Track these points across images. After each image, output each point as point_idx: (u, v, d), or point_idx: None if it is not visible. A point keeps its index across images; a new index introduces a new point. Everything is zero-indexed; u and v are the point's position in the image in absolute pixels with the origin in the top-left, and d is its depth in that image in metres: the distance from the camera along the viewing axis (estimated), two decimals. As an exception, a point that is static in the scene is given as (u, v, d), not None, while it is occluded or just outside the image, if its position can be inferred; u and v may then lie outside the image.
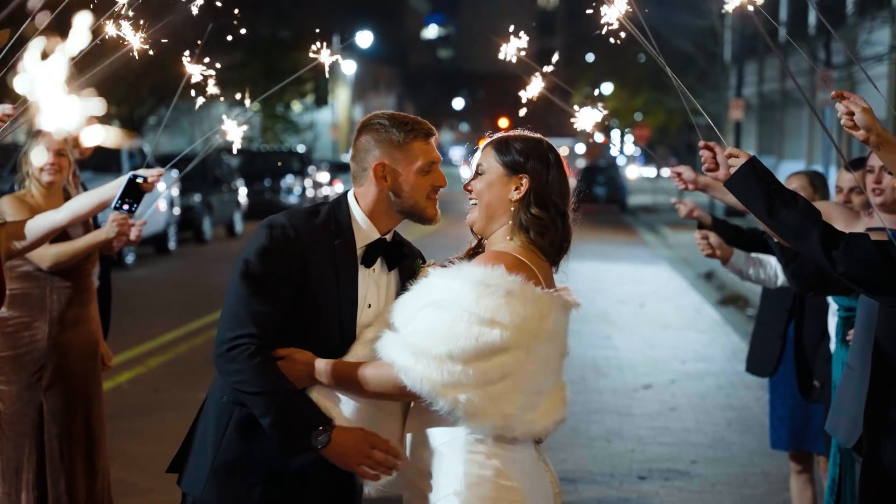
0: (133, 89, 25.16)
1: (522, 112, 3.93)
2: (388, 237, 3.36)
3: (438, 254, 3.52)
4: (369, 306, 3.29)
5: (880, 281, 3.39)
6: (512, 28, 3.79)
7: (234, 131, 4.17)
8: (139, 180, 4.55)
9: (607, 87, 52.69)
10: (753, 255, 5.67)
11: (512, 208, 3.20)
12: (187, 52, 3.91)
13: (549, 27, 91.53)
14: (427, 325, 3.07)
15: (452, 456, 3.12)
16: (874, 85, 3.73)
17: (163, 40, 3.55)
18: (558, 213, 3.22)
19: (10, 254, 4.59)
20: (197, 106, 4.04)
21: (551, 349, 3.16)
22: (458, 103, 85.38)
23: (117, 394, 9.18)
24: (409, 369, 3.04)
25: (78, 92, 2.84)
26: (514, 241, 3.20)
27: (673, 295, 16.77)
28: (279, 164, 30.85)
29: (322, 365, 3.17)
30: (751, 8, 3.33)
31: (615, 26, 3.52)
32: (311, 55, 3.89)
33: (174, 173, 20.00)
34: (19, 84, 1.82)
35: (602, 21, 3.53)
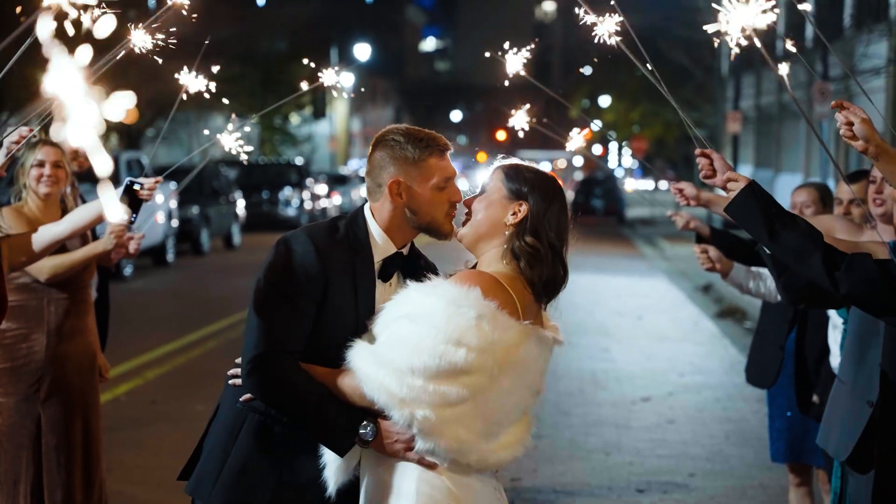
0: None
1: (521, 127, 3.95)
2: (405, 251, 3.38)
3: (440, 265, 3.52)
4: None
5: (883, 300, 3.38)
6: (508, 44, 3.79)
7: (233, 142, 4.18)
8: (136, 187, 4.54)
9: (605, 100, 52.80)
10: (753, 268, 5.66)
11: (506, 232, 3.19)
12: (185, 65, 3.92)
13: (547, 40, 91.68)
14: (396, 337, 3.08)
15: (406, 473, 3.13)
16: (869, 99, 3.73)
17: (168, 44, 3.55)
18: (552, 248, 3.20)
19: (13, 266, 4.59)
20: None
21: (518, 381, 3.13)
22: (456, 116, 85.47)
23: (115, 405, 9.17)
24: (370, 378, 3.06)
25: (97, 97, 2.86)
26: (505, 267, 3.19)
27: (671, 307, 16.78)
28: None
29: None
30: (748, 33, 3.32)
31: (609, 40, 3.53)
32: (319, 76, 3.88)
33: (172, 185, 20.06)
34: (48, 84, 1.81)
35: (594, 35, 3.54)
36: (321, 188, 33.78)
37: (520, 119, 3.97)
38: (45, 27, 1.97)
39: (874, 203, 4.46)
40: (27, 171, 5.12)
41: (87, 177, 5.81)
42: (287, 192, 30.55)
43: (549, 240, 3.19)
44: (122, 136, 29.15)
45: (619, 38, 3.50)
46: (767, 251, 4.01)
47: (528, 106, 3.99)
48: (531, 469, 7.57)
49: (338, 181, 38.23)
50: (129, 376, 10.39)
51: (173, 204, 20.53)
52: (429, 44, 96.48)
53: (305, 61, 3.82)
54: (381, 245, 3.31)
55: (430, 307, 3.07)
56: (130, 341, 11.69)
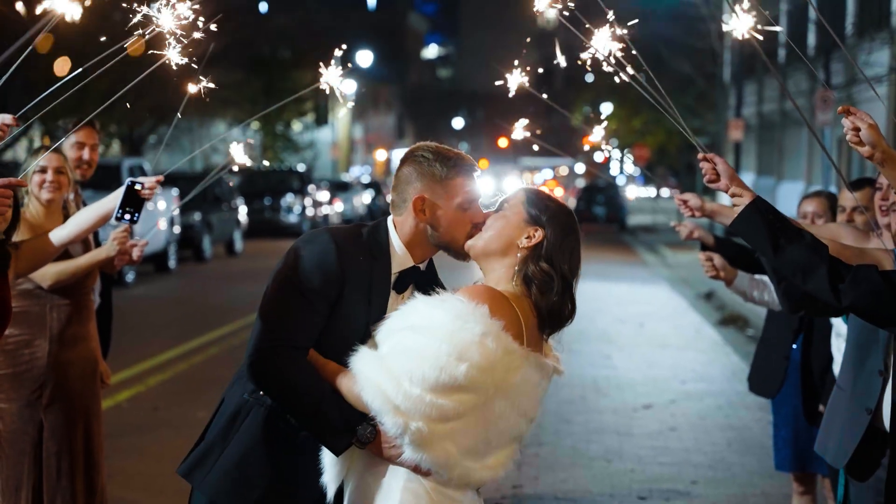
0: (132, 108, 25.20)
1: (523, 138, 3.95)
2: (422, 266, 3.40)
3: (450, 273, 3.54)
4: None
5: (888, 312, 3.37)
6: (517, 63, 3.80)
7: (240, 154, 4.19)
8: (137, 187, 4.53)
9: (606, 108, 52.81)
10: (757, 276, 5.66)
11: (518, 254, 3.21)
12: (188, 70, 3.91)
13: (549, 47, 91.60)
14: (399, 347, 3.09)
15: (393, 482, 3.15)
16: (877, 97, 3.74)
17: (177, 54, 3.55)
18: (563, 279, 3.22)
19: (18, 274, 4.59)
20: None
21: (513, 405, 3.14)
22: (458, 123, 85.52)
23: (116, 412, 9.17)
24: (369, 382, 3.08)
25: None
26: (514, 287, 3.21)
27: (672, 315, 16.77)
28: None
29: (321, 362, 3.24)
30: (749, 34, 3.32)
31: (606, 53, 3.53)
32: (321, 77, 3.89)
33: (174, 192, 20.07)
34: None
35: (593, 48, 3.55)
36: (323, 195, 33.81)
37: (520, 132, 3.97)
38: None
39: (880, 211, 4.44)
40: (29, 178, 5.12)
41: (89, 183, 5.83)
42: (289, 198, 30.58)
43: (562, 271, 3.22)
44: (125, 143, 29.17)
45: (619, 45, 3.50)
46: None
47: (526, 122, 4.00)
48: (533, 476, 7.56)
49: (340, 188, 38.26)
50: (130, 383, 10.39)
51: (175, 210, 20.55)
52: (431, 51, 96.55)
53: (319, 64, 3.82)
54: (400, 257, 3.33)
55: (437, 320, 3.08)
56: (132, 348, 11.69)
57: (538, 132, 4.13)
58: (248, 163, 4.28)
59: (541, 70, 3.85)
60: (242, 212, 26.10)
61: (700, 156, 3.51)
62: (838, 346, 5.31)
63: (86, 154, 5.64)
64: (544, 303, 3.19)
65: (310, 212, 31.37)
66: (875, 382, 4.07)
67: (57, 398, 5.11)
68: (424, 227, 3.31)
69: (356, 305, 3.25)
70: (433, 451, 3.06)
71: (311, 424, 3.18)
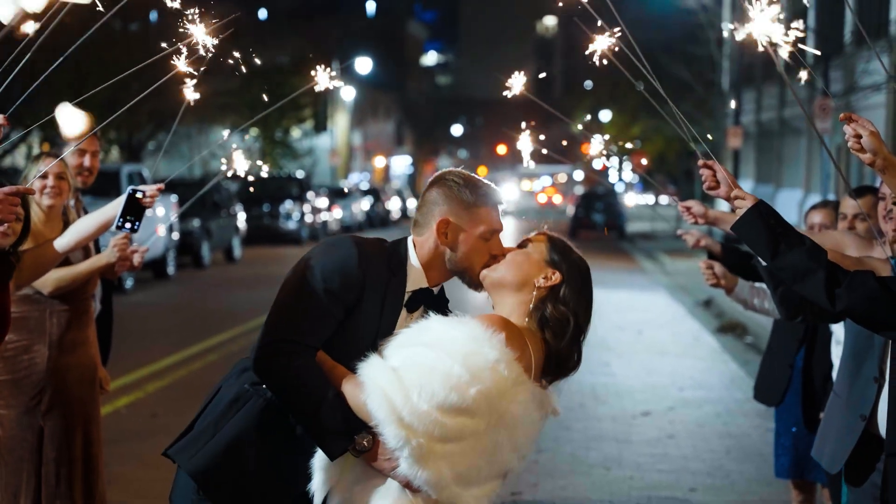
0: (131, 114, 25.23)
1: (527, 148, 3.97)
2: (435, 290, 3.42)
3: (456, 290, 3.55)
4: None
5: (883, 317, 3.39)
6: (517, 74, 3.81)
7: (240, 162, 4.20)
8: (139, 195, 4.53)
9: (605, 115, 52.84)
10: (758, 285, 5.65)
11: (533, 292, 3.25)
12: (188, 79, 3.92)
13: (548, 55, 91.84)
14: (412, 361, 3.11)
15: (383, 499, 3.16)
16: (876, 104, 3.74)
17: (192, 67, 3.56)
18: (577, 326, 3.26)
19: (19, 284, 4.59)
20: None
21: (509, 438, 3.16)
22: (457, 130, 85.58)
23: (115, 418, 9.17)
24: (377, 389, 3.08)
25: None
26: (527, 324, 3.24)
27: (671, 322, 16.77)
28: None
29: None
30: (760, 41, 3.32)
31: (604, 60, 3.54)
32: (315, 80, 3.90)
33: (173, 198, 20.06)
34: None
35: (590, 52, 3.57)
36: (322, 202, 33.82)
37: (525, 142, 3.99)
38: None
39: (884, 220, 4.44)
40: (31, 184, 5.12)
41: (88, 190, 5.83)
42: (288, 205, 30.58)
43: (577, 319, 3.27)
44: (124, 149, 29.19)
45: (616, 48, 3.51)
46: (764, 265, 4.01)
47: (529, 130, 4.02)
48: (532, 483, 7.56)
49: (339, 195, 38.27)
50: (129, 389, 10.39)
51: (174, 217, 20.56)
52: (430, 58, 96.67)
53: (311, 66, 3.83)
54: (416, 277, 3.36)
55: (452, 340, 3.10)
56: (131, 354, 11.68)
57: (542, 138, 4.14)
58: (246, 171, 4.28)
59: (542, 74, 3.86)
60: (241, 218, 26.11)
61: (700, 162, 3.52)
62: (838, 354, 5.32)
63: (87, 161, 5.64)
64: (557, 345, 3.24)
65: (308, 218, 31.38)
66: (870, 389, 4.09)
67: (56, 404, 5.10)
68: (444, 250, 3.34)
69: (368, 315, 3.27)
70: (428, 469, 3.06)
71: (310, 424, 3.18)
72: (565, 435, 9.09)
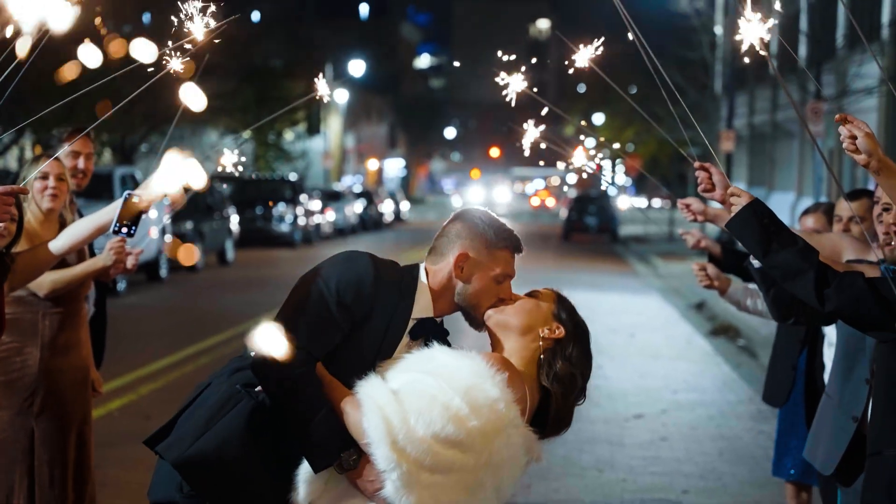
0: (125, 116, 25.19)
1: (535, 143, 3.97)
2: (439, 321, 3.44)
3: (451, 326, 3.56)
4: None
5: (871, 317, 3.40)
6: (504, 57, 3.82)
7: (232, 163, 4.20)
8: (135, 199, 4.52)
9: (598, 118, 52.90)
10: (752, 286, 5.66)
11: (539, 343, 3.29)
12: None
13: (542, 57, 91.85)
14: (412, 386, 3.13)
15: None
16: (868, 108, 3.75)
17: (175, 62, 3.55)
18: (582, 386, 3.35)
19: (13, 287, 4.57)
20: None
21: (493, 479, 3.17)
22: (450, 132, 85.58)
23: (108, 421, 9.16)
24: (376, 408, 3.09)
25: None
26: (526, 368, 3.26)
27: (664, 325, 16.79)
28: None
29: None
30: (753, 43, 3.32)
31: (584, 66, 3.57)
32: (315, 87, 3.90)
33: (166, 201, 20.00)
34: None
35: (575, 61, 3.59)
36: (315, 204, 33.78)
37: (531, 135, 3.99)
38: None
39: (877, 223, 4.44)
40: (31, 185, 5.11)
41: (82, 192, 5.82)
42: (281, 207, 30.55)
43: (582, 379, 3.37)
44: (116, 152, 29.15)
45: (596, 68, 3.53)
46: (755, 265, 4.03)
47: (536, 129, 4.02)
48: (524, 485, 7.57)
49: (332, 197, 38.23)
50: (122, 391, 10.38)
51: (167, 219, 20.53)
52: (423, 61, 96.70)
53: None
54: (423, 305, 3.37)
55: (456, 372, 3.13)
56: (124, 356, 11.66)
57: (541, 140, 4.14)
58: (236, 172, 4.28)
59: (534, 60, 3.86)
60: (234, 221, 26.09)
61: (696, 164, 3.53)
62: (830, 356, 5.33)
63: (81, 163, 5.63)
64: (563, 402, 3.30)
65: (301, 221, 31.34)
66: (862, 391, 4.10)
67: (48, 406, 5.09)
68: (456, 283, 3.37)
69: (372, 335, 3.28)
70: (412, 496, 3.06)
71: (300, 433, 3.18)
72: (558, 437, 9.09)
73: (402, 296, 3.33)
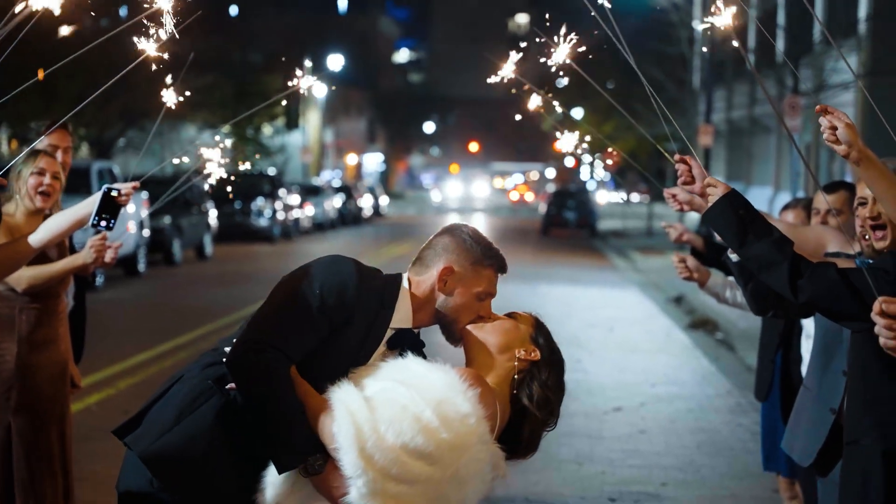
0: (102, 111, 25.07)
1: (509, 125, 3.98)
2: (417, 332, 3.44)
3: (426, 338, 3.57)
4: None
5: (843, 307, 3.43)
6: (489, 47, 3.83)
7: (216, 164, 4.20)
8: (114, 193, 4.50)
9: (577, 113, 52.97)
10: (730, 278, 5.69)
11: (514, 363, 3.30)
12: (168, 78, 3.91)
13: (520, 51, 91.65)
14: (385, 395, 3.13)
15: None
16: (845, 102, 3.77)
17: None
18: (551, 412, 3.34)
19: None
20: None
21: (457, 493, 3.16)
22: (429, 127, 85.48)
23: (86, 415, 9.12)
24: (347, 414, 3.09)
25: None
26: (499, 387, 3.27)
27: (643, 319, 16.85)
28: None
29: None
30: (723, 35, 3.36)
31: (563, 64, 3.58)
32: (290, 82, 3.90)
33: (144, 195, 19.96)
34: None
35: (552, 62, 3.61)
36: (294, 199, 33.71)
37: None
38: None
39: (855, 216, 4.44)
40: (25, 180, 5.07)
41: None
42: (259, 202, 30.47)
43: (556, 403, 3.36)
44: (94, 146, 29.01)
45: (577, 69, 3.55)
46: (733, 259, 4.05)
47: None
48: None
49: (311, 192, 38.15)
50: (100, 386, 10.34)
51: (145, 214, 20.46)
52: (402, 55, 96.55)
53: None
54: (403, 315, 3.37)
55: (429, 384, 3.14)
56: (102, 351, 11.61)
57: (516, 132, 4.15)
58: (222, 173, 4.27)
59: (524, 44, 3.87)
60: (213, 215, 26.01)
61: (677, 157, 3.55)
62: (808, 348, 5.36)
63: (59, 157, 5.60)
64: (538, 422, 3.31)
65: (280, 216, 31.28)
66: (839, 383, 4.13)
67: (26, 401, 5.07)
68: (438, 296, 3.38)
69: (349, 341, 3.27)
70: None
71: (268, 433, 3.17)
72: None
73: (384, 304, 3.33)
